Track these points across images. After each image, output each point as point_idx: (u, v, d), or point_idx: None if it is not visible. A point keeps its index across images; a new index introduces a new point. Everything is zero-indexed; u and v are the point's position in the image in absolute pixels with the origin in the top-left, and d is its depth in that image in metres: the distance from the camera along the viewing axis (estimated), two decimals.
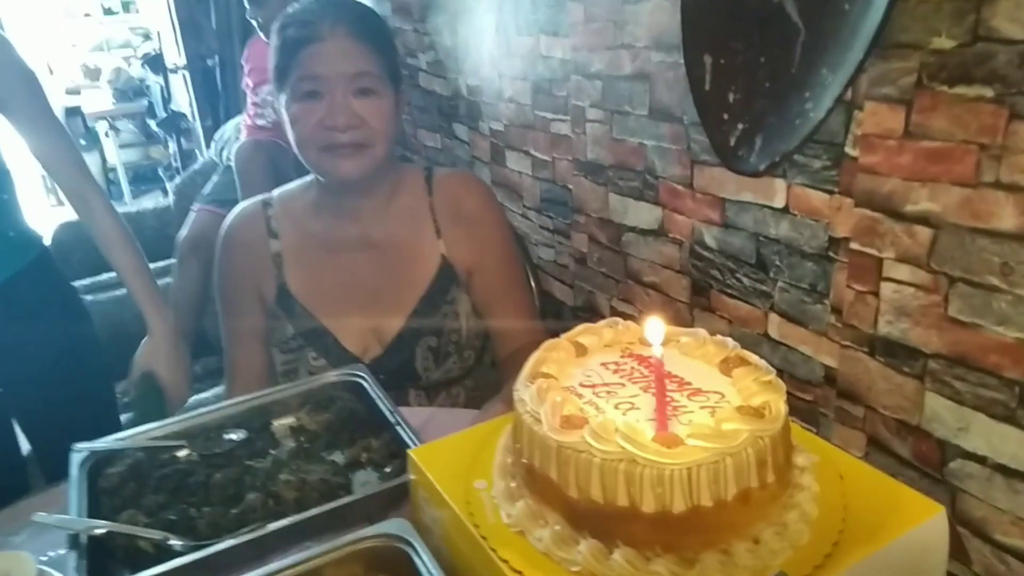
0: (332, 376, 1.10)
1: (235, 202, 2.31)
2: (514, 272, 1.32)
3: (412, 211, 1.26)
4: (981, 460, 0.81)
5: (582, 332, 0.82)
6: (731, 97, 0.93)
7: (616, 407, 0.69)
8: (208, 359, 2.33)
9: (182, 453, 0.99)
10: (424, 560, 0.72)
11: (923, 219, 0.81)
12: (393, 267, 1.25)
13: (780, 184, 0.99)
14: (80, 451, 0.95)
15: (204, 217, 2.49)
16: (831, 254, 0.94)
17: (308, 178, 1.29)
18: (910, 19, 0.78)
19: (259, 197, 1.33)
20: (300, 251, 1.27)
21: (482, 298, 1.27)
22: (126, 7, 6.37)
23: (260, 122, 2.50)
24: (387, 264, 1.26)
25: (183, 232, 2.48)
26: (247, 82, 2.63)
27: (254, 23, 2.46)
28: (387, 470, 0.95)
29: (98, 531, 0.81)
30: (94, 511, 0.86)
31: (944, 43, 0.76)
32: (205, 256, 2.36)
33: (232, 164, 2.39)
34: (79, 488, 0.89)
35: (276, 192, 1.33)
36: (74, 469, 0.91)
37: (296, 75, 1.13)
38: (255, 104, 2.55)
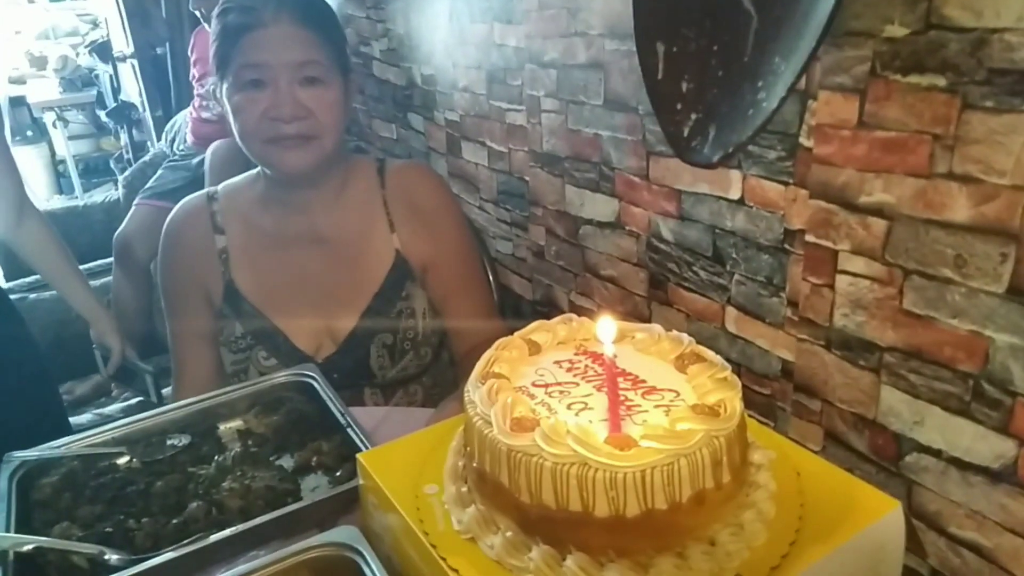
0: (281, 377, 1.07)
1: (178, 196, 2.26)
2: (471, 266, 1.29)
3: (364, 204, 1.23)
4: (936, 453, 0.81)
5: (535, 329, 0.80)
6: (684, 86, 0.91)
7: (569, 407, 0.68)
8: (160, 358, 2.27)
9: (122, 460, 0.95)
10: (373, 569, 0.70)
11: (877, 211, 0.81)
12: (345, 263, 1.22)
13: (736, 175, 0.98)
14: (11, 461, 0.90)
15: (144, 212, 2.43)
16: (787, 246, 0.93)
17: (254, 171, 1.25)
18: (863, 6, 0.77)
19: (203, 191, 1.28)
20: (247, 247, 1.23)
21: (439, 294, 1.24)
22: None
23: (205, 115, 2.46)
24: (339, 259, 1.22)
25: (121, 228, 2.42)
26: (193, 73, 2.58)
27: (197, 13, 2.40)
28: (338, 474, 0.92)
29: (27, 547, 0.77)
30: (24, 525, 0.83)
31: (897, 31, 0.74)
32: (144, 253, 2.30)
33: (206, 160, 2.31)
34: (7, 501, 0.84)
35: (221, 185, 1.28)
36: (3, 481, 0.87)
37: (238, 63, 1.09)
38: (200, 96, 2.50)
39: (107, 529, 0.83)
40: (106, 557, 0.77)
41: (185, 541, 0.79)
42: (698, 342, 0.73)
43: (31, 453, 0.93)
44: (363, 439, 0.92)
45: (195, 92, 2.56)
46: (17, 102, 5.33)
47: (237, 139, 1.15)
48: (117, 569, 0.75)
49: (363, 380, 1.21)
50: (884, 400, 0.85)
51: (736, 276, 1.02)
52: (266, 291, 1.22)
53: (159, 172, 2.58)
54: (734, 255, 1.01)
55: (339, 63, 1.14)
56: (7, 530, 0.80)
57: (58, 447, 0.95)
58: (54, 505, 0.88)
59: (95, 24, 5.64)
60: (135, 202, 2.49)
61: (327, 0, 1.20)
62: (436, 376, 1.29)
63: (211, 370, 1.25)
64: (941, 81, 0.72)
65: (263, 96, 1.09)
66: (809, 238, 0.90)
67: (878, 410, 0.86)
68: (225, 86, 1.13)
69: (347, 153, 1.26)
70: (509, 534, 0.64)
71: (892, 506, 0.68)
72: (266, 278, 1.22)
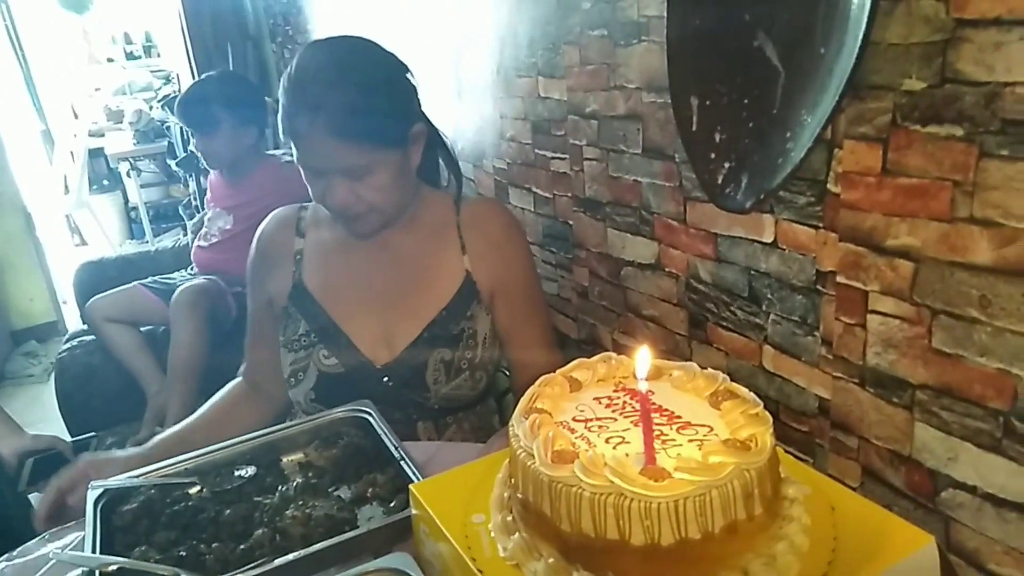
0: (339, 412, 1.13)
1: (168, 295, 2.33)
2: (536, 300, 1.34)
3: (439, 227, 1.29)
4: (971, 490, 0.82)
5: (576, 367, 0.85)
6: (717, 137, 0.96)
7: (607, 441, 0.71)
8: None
9: (193, 490, 1.02)
10: None
11: (904, 253, 0.84)
12: (415, 274, 1.27)
13: (768, 219, 1.01)
14: (95, 488, 0.98)
15: (135, 293, 2.48)
16: (819, 287, 0.96)
17: None
18: (882, 61, 0.81)
19: (299, 204, 1.37)
20: (322, 249, 1.30)
21: (504, 323, 1.28)
22: (148, 52, 6.56)
23: (202, 243, 2.54)
24: (409, 270, 1.27)
25: (102, 296, 2.46)
26: (207, 204, 2.64)
27: (199, 155, 2.48)
28: (392, 504, 0.98)
29: (111, 567, 0.84)
30: (108, 547, 0.90)
31: (915, 85, 0.78)
32: (116, 322, 2.39)
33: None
34: (93, 525, 0.92)
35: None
36: (89, 506, 0.95)
37: (294, 154, 1.17)
38: (206, 227, 2.57)
39: (181, 553, 0.90)
40: None
41: (251, 565, 0.85)
42: (737, 380, 0.76)
43: (111, 482, 1.01)
44: (415, 471, 0.97)
45: (204, 220, 2.61)
46: (95, 153, 5.66)
47: None
48: None
49: (416, 393, 1.24)
50: (918, 437, 0.87)
51: (772, 316, 1.05)
52: (333, 291, 1.27)
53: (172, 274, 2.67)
54: (769, 295, 1.05)
55: (389, 141, 1.16)
56: (93, 551, 0.88)
57: (137, 476, 1.03)
58: (133, 530, 0.95)
59: (167, 80, 5.97)
60: (135, 282, 2.53)
61: (371, 84, 1.15)
62: (483, 413, 1.33)
63: (271, 360, 1.31)
64: (958, 131, 0.75)
65: (319, 182, 1.16)
66: (840, 279, 0.93)
67: (912, 447, 0.88)
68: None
69: (422, 188, 1.30)
70: (551, 561, 0.68)
71: (926, 541, 0.69)
72: (335, 278, 1.28)
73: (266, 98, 2.56)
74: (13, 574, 0.94)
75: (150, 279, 2.56)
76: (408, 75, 1.23)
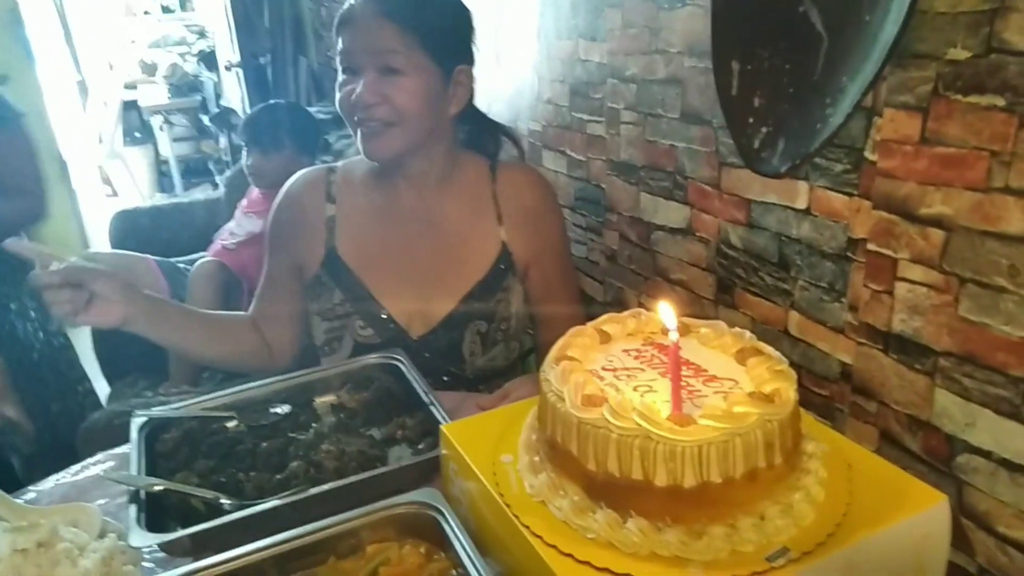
0: (372, 358, 1.16)
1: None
2: (568, 266, 1.36)
3: (474, 195, 1.28)
4: (987, 455, 0.84)
5: (606, 321, 0.87)
6: (756, 102, 0.97)
7: (635, 389, 0.74)
8: None
9: (231, 424, 1.06)
10: (452, 526, 0.77)
11: (936, 222, 0.85)
12: (451, 246, 1.26)
13: (803, 186, 1.03)
14: (139, 417, 1.03)
15: (143, 266, 2.49)
16: (849, 254, 0.98)
17: None
18: (928, 30, 0.81)
19: (326, 165, 1.35)
20: (355, 217, 1.28)
21: (537, 289, 1.29)
22: (183, 5, 6.59)
23: (227, 242, 2.53)
24: (445, 242, 1.26)
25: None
26: (242, 204, 2.63)
27: (245, 168, 2.49)
28: (420, 447, 1.01)
29: (156, 488, 0.89)
30: (151, 472, 0.94)
31: (959, 54, 0.79)
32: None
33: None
34: (138, 450, 0.96)
35: (341, 162, 1.35)
36: (134, 433, 0.99)
37: (337, 52, 1.17)
38: (232, 228, 2.57)
39: (221, 479, 0.94)
40: (221, 502, 0.88)
41: (288, 492, 0.89)
42: None
43: (154, 412, 1.05)
44: (444, 416, 1.01)
45: (233, 221, 2.61)
46: (129, 105, 5.72)
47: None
48: (228, 512, 0.85)
49: (452, 364, 1.26)
50: (938, 402, 0.88)
51: (800, 282, 1.07)
52: (369, 261, 1.26)
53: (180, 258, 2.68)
54: (799, 262, 1.06)
55: (432, 53, 1.16)
56: (138, 474, 0.92)
57: (177, 408, 1.08)
58: (174, 457, 0.99)
59: (202, 34, 6.00)
60: (147, 255, 2.55)
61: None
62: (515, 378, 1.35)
63: (284, 316, 1.32)
64: (1000, 101, 0.76)
65: (352, 81, 1.15)
66: (871, 247, 0.94)
67: (932, 412, 0.89)
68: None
69: (456, 146, 1.29)
70: (576, 498, 0.71)
71: (939, 499, 0.71)
72: (369, 248, 1.26)
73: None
74: (62, 494, 0.99)
75: (161, 258, 2.58)
76: (469, 14, 1.24)
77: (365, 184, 1.29)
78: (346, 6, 1.16)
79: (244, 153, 2.51)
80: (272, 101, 2.77)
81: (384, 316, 1.24)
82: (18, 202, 1.91)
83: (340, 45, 1.16)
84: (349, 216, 1.28)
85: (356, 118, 1.16)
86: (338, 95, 1.18)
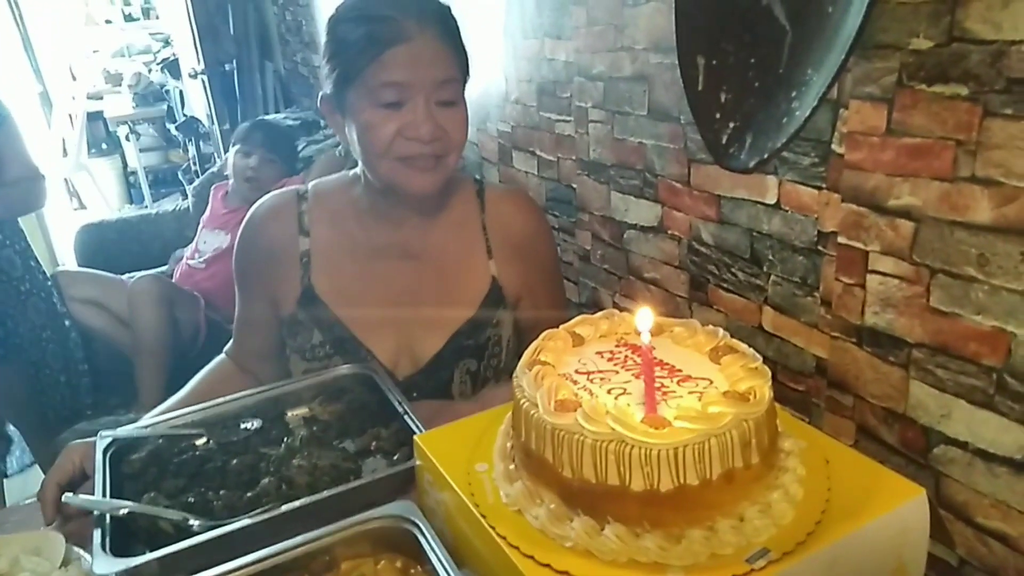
0: (344, 369, 1.14)
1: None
2: (559, 292, 1.28)
3: (463, 226, 1.19)
4: (962, 445, 0.84)
5: (579, 323, 0.86)
6: (723, 97, 0.96)
7: (609, 392, 0.73)
8: None
9: (200, 441, 1.04)
10: (428, 539, 0.76)
11: (905, 213, 0.85)
12: (438, 282, 1.18)
13: (772, 181, 1.02)
14: (104, 438, 1.00)
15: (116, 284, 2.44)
16: (820, 248, 0.97)
17: (351, 172, 1.21)
18: (890, 20, 0.81)
19: (293, 188, 1.23)
20: (331, 252, 1.18)
21: (527, 319, 1.21)
22: (146, 13, 6.49)
23: (192, 262, 2.48)
24: (431, 278, 1.18)
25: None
26: (202, 220, 2.59)
27: (240, 173, 2.46)
28: (395, 458, 1.00)
29: (122, 511, 0.86)
30: (117, 493, 0.92)
31: (922, 44, 0.79)
32: None
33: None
34: (103, 472, 0.94)
35: (312, 184, 1.23)
36: (99, 454, 0.97)
37: (377, 80, 1.01)
38: (197, 246, 2.52)
39: (190, 499, 0.92)
40: (190, 523, 0.86)
41: (259, 511, 0.87)
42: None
43: (120, 432, 1.03)
44: (419, 426, 0.99)
45: (195, 240, 2.55)
46: (94, 116, 5.63)
47: (361, 156, 1.10)
48: (198, 534, 0.83)
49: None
50: (913, 394, 0.88)
51: (772, 277, 1.06)
52: (347, 300, 1.17)
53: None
54: (771, 257, 1.06)
55: (464, 76, 1.08)
56: (103, 496, 0.90)
57: (144, 427, 1.05)
58: (142, 477, 0.97)
59: (167, 42, 5.91)
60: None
61: None
62: None
63: (264, 350, 1.24)
64: (963, 90, 0.76)
65: (399, 114, 1.02)
66: (841, 240, 0.94)
67: (907, 404, 0.89)
68: (352, 100, 1.05)
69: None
70: (552, 506, 0.70)
71: (916, 493, 0.71)
72: (348, 287, 1.17)
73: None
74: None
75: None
76: None
77: (341, 213, 1.18)
78: (382, 23, 1.01)
79: (235, 158, 2.46)
80: (261, 118, 2.83)
81: (368, 357, 1.16)
82: (22, 190, 2.14)
83: (383, 73, 1.01)
84: (326, 250, 1.18)
85: (405, 155, 1.05)
86: (375, 132, 1.04)
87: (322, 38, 1.09)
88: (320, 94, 1.12)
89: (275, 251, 1.19)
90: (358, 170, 1.17)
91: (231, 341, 1.29)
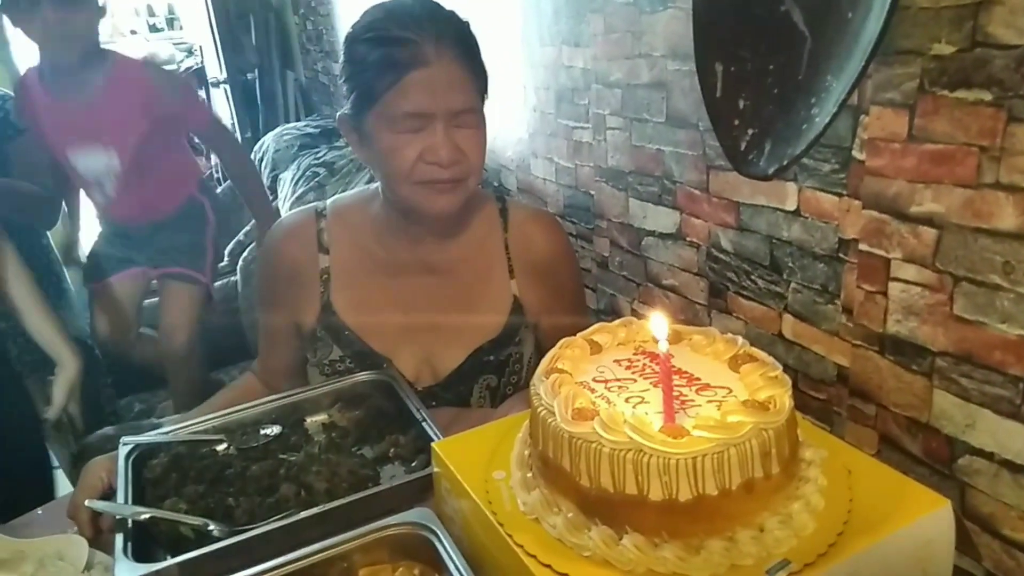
0: (363, 376, 1.15)
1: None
2: (581, 311, 1.27)
3: (485, 245, 1.18)
4: (988, 456, 0.83)
5: (597, 330, 0.86)
6: (741, 104, 0.96)
7: (626, 401, 0.73)
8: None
9: (220, 447, 1.05)
10: (446, 546, 0.76)
11: (928, 220, 0.84)
12: (459, 300, 1.18)
13: (792, 187, 1.01)
14: (127, 444, 1.01)
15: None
16: (841, 255, 0.96)
17: (370, 188, 1.21)
18: (911, 26, 0.80)
19: (311, 206, 1.23)
20: (351, 270, 1.18)
21: (548, 338, 1.20)
22: (171, 24, 6.57)
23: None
24: (452, 296, 1.18)
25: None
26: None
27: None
28: (413, 464, 1.00)
29: (143, 516, 0.87)
30: (139, 499, 0.93)
31: (944, 49, 0.78)
32: None
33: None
34: (125, 477, 0.95)
35: (330, 201, 1.23)
36: (121, 460, 0.98)
37: (398, 109, 1.01)
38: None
39: (210, 505, 0.93)
40: (210, 528, 0.87)
41: (278, 516, 0.87)
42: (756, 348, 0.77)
43: (142, 438, 1.04)
44: (437, 433, 0.99)
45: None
46: None
47: (383, 179, 1.12)
48: (218, 539, 0.84)
49: None
50: (936, 404, 0.87)
51: (792, 284, 1.05)
52: (367, 316, 1.17)
53: None
54: (791, 264, 1.05)
55: (483, 98, 1.08)
56: (125, 502, 0.91)
57: (165, 433, 1.06)
58: (163, 483, 0.98)
59: (190, 52, 5.98)
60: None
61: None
62: None
63: (288, 368, 1.26)
64: (987, 96, 0.75)
65: (419, 138, 1.02)
66: (863, 247, 0.93)
67: (931, 414, 0.88)
68: (369, 121, 1.05)
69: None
70: (570, 515, 0.69)
71: (941, 504, 0.70)
72: (369, 304, 1.18)
73: None
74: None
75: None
76: None
77: (360, 229, 1.18)
78: (401, 45, 0.99)
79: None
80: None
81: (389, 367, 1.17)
82: (36, 207, 2.03)
83: (403, 100, 1.00)
84: (345, 267, 1.18)
85: (426, 179, 1.04)
86: (397, 156, 1.03)
87: (342, 48, 1.09)
88: (338, 113, 1.12)
89: (295, 270, 1.19)
90: (377, 186, 1.18)
91: (257, 360, 1.31)
